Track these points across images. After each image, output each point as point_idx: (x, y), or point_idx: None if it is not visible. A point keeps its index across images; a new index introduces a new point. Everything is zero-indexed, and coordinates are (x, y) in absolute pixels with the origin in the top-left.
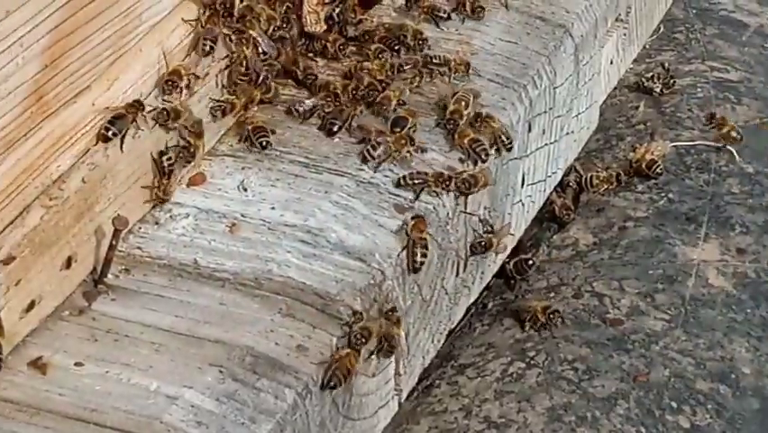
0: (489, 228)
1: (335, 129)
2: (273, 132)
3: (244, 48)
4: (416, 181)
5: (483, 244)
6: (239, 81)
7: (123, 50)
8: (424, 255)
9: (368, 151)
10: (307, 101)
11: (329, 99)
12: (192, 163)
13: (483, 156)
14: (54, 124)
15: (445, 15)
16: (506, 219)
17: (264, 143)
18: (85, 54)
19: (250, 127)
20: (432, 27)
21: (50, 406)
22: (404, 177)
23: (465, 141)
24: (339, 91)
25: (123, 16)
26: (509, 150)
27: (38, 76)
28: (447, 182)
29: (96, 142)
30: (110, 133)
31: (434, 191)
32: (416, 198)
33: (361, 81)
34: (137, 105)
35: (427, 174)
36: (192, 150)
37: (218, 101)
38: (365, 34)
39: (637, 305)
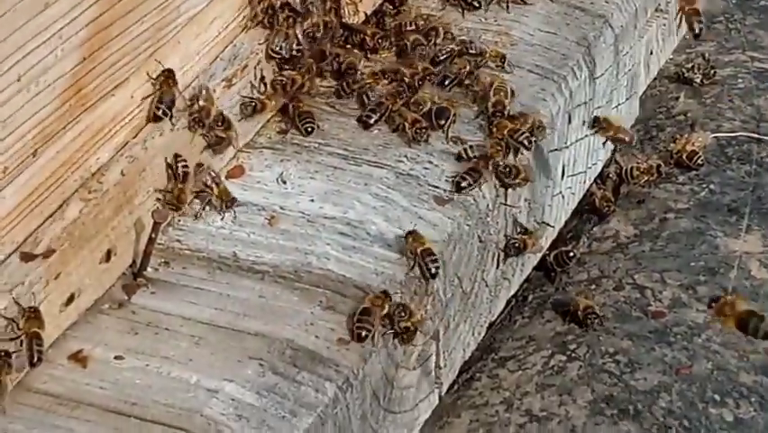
0: (523, 229)
1: (371, 122)
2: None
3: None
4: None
5: (517, 245)
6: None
7: (161, 42)
8: (435, 262)
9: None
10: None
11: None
12: (231, 155)
13: (527, 144)
14: (93, 117)
15: (478, 5)
16: (545, 211)
17: (310, 129)
18: (123, 47)
19: (297, 112)
20: (472, 18)
21: (91, 399)
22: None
23: (505, 132)
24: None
25: (161, 8)
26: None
27: (77, 68)
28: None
29: (147, 123)
30: (160, 112)
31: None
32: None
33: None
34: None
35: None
36: (226, 142)
37: (249, 98)
38: (401, 26)
39: (679, 297)
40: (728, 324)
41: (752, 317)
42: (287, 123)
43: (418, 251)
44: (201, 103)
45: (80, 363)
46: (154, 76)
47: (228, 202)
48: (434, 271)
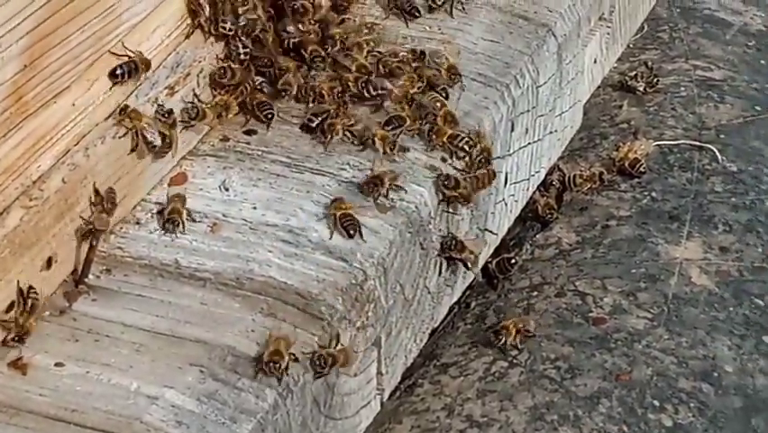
0: (455, 242)
1: (313, 125)
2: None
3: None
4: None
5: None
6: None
7: (103, 50)
8: (351, 224)
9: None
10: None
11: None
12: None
13: (467, 149)
14: (34, 125)
15: (418, 14)
16: (488, 218)
17: (270, 116)
18: (64, 55)
19: (254, 103)
20: (415, 26)
21: (31, 406)
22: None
23: (444, 138)
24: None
25: (102, 17)
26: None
27: (17, 76)
28: None
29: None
30: (118, 72)
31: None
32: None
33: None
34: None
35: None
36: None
37: (191, 104)
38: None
39: (620, 303)
40: None
41: None
42: (246, 115)
43: (338, 215)
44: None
45: (20, 370)
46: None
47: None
48: (351, 232)
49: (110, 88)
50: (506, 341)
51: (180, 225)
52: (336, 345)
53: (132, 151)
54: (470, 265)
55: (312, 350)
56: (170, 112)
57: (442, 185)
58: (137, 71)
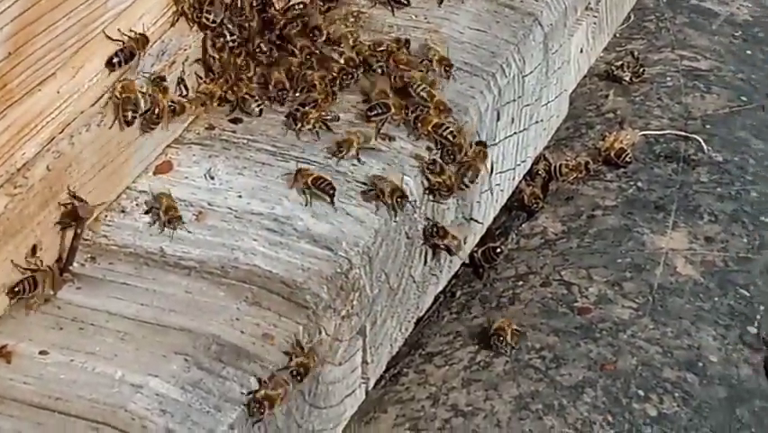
0: (437, 229)
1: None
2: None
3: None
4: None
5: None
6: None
7: (88, 37)
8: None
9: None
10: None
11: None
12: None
13: (451, 138)
14: (19, 112)
15: (406, 2)
16: (474, 208)
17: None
18: (49, 42)
19: (239, 96)
20: (402, 15)
21: (15, 394)
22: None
23: (429, 127)
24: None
25: (88, 3)
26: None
27: (1, 64)
28: None
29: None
30: (115, 60)
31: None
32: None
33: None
34: (143, 40)
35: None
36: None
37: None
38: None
39: (605, 293)
40: None
41: None
42: (232, 107)
43: (309, 181)
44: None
45: (4, 358)
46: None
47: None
48: (331, 192)
49: (95, 75)
50: (506, 342)
51: (179, 221)
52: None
53: (126, 123)
54: (453, 251)
55: (250, 390)
56: (163, 78)
57: (426, 170)
58: (132, 57)
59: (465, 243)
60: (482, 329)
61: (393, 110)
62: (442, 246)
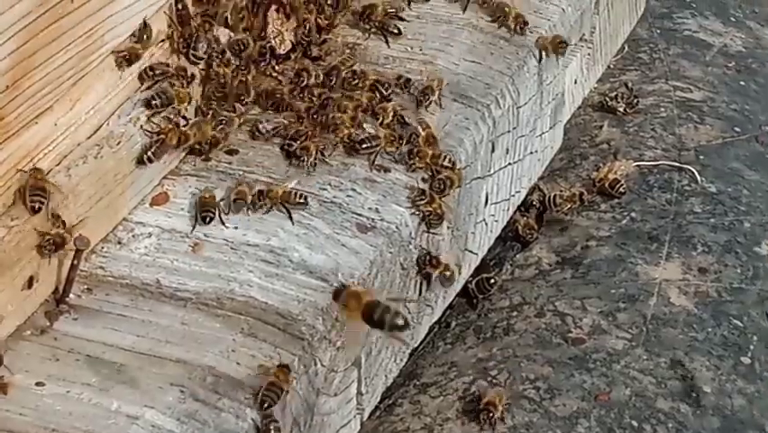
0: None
1: (292, 149)
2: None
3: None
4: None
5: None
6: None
7: (84, 71)
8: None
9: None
10: (270, 121)
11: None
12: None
13: (449, 165)
14: (16, 145)
15: (398, 33)
16: (469, 238)
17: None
18: (47, 75)
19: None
20: (397, 46)
21: (11, 426)
22: None
23: (427, 159)
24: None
25: (85, 37)
26: None
27: None
28: None
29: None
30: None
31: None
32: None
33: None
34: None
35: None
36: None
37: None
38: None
39: (599, 324)
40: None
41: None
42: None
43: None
44: None
45: (1, 389)
46: None
47: None
48: (302, 201)
49: (92, 108)
50: (496, 416)
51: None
52: None
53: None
54: (447, 282)
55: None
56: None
57: (416, 200)
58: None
59: (459, 272)
60: (472, 398)
61: (383, 142)
62: (435, 275)
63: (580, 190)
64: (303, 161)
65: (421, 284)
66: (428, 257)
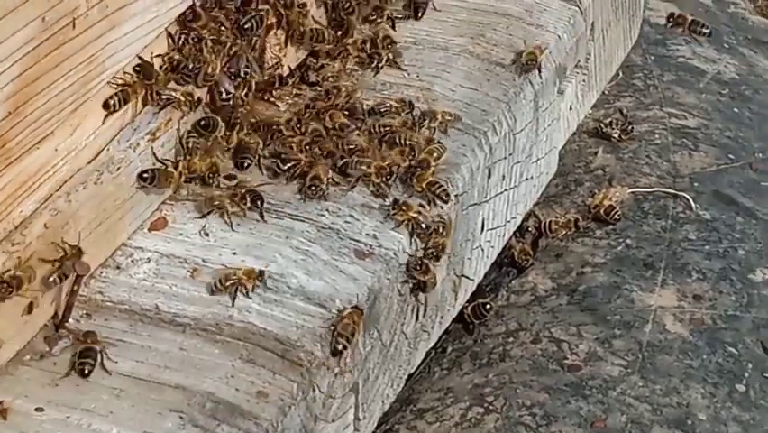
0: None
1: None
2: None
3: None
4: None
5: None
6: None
7: (86, 96)
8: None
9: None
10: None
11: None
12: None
13: (444, 197)
14: (17, 171)
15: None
16: (465, 264)
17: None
18: (48, 101)
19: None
20: (394, 72)
21: None
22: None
23: (424, 184)
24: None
25: (86, 63)
26: None
27: (1, 123)
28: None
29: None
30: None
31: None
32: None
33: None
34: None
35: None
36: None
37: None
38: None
39: (595, 351)
40: None
41: None
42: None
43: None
44: None
45: (0, 415)
46: None
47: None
48: (259, 205)
49: (92, 133)
50: None
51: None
52: None
53: None
54: (428, 289)
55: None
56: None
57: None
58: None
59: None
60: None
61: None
62: (420, 282)
63: (576, 216)
64: (317, 190)
65: (417, 310)
66: (419, 263)
